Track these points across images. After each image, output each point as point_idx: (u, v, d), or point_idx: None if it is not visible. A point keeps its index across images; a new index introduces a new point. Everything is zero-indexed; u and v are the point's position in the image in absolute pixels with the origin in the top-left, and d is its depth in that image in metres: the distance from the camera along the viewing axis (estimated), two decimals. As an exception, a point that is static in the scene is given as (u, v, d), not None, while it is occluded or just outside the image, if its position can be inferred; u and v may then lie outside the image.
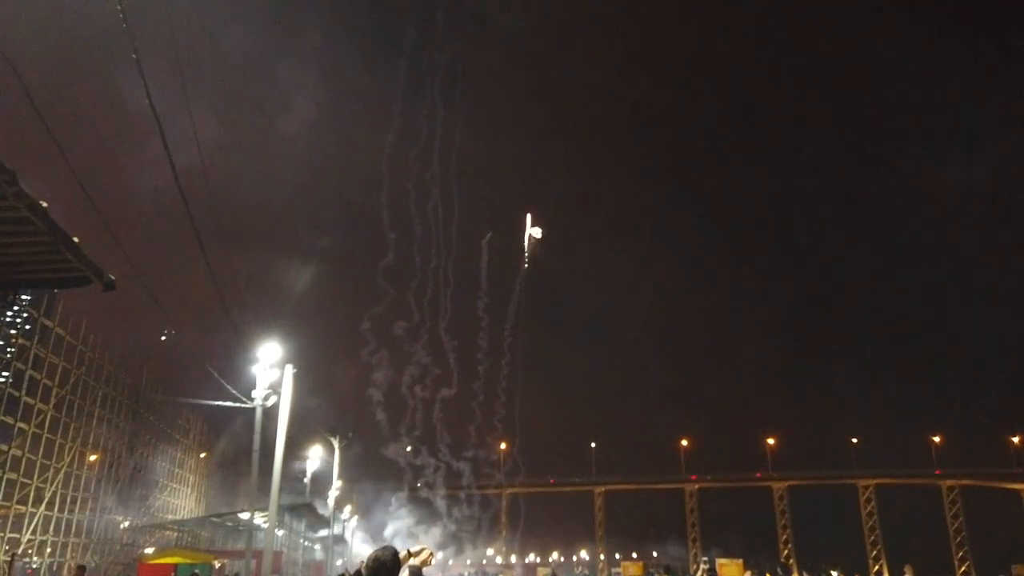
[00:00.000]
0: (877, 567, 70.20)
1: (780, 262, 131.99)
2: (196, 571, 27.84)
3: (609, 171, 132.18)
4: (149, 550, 36.90)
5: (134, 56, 13.53)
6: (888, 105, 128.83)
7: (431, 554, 5.09)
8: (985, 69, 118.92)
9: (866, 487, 73.03)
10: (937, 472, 71.33)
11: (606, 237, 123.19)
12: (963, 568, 68.03)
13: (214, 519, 41.43)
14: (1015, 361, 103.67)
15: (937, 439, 72.60)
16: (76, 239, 13.32)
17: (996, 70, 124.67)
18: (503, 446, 71.84)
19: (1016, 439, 70.91)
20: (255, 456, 22.05)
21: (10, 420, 28.31)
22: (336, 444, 36.69)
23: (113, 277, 14.56)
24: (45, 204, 12.39)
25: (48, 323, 30.14)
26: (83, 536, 34.74)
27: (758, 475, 75.38)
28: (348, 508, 44.66)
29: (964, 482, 70.92)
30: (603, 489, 75.86)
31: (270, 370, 26.53)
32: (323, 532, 40.47)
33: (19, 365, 29.26)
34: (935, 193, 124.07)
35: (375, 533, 53.02)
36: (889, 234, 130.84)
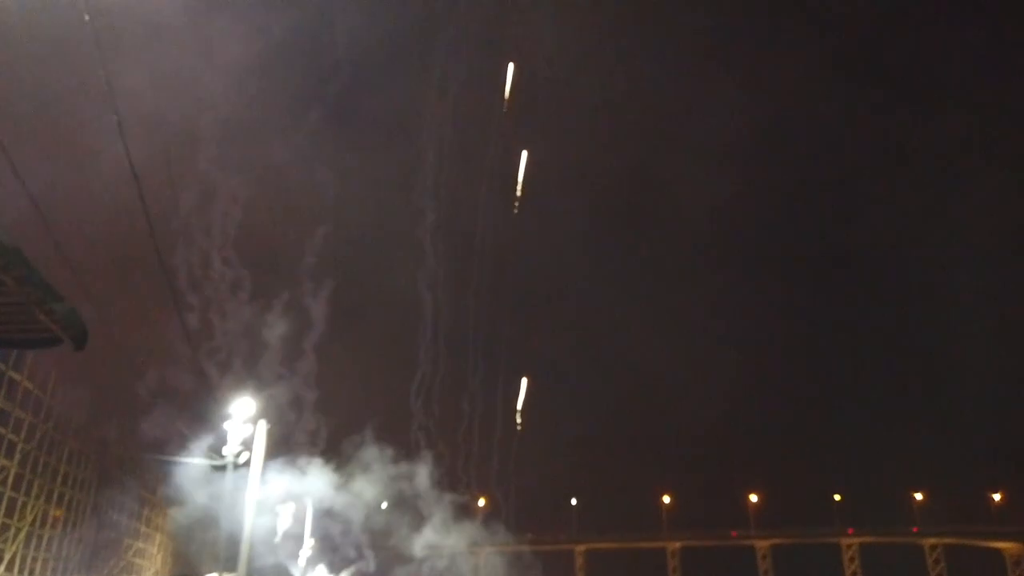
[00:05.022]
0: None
1: (762, 320, 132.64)
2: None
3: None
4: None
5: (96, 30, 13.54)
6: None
7: None
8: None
9: (849, 546, 72.44)
10: (914, 529, 71.12)
11: (581, 289, 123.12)
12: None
13: (181, 580, 40.05)
14: (996, 417, 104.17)
15: (919, 496, 72.62)
16: (57, 300, 13.15)
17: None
18: (481, 502, 70.53)
19: (997, 496, 70.99)
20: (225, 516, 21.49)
21: (-29, 477, 27.49)
22: (308, 504, 35.91)
23: (86, 332, 14.38)
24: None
25: (16, 376, 29.50)
26: (43, 599, 33.39)
27: (734, 534, 74.71)
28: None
29: (947, 540, 70.53)
30: (584, 548, 74.51)
31: (242, 425, 26.08)
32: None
33: (-16, 420, 28.56)
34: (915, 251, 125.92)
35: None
36: (873, 288, 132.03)
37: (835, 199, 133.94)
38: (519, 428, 62.09)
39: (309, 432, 43.48)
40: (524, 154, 61.33)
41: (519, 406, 61.90)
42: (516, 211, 61.62)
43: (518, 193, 61.14)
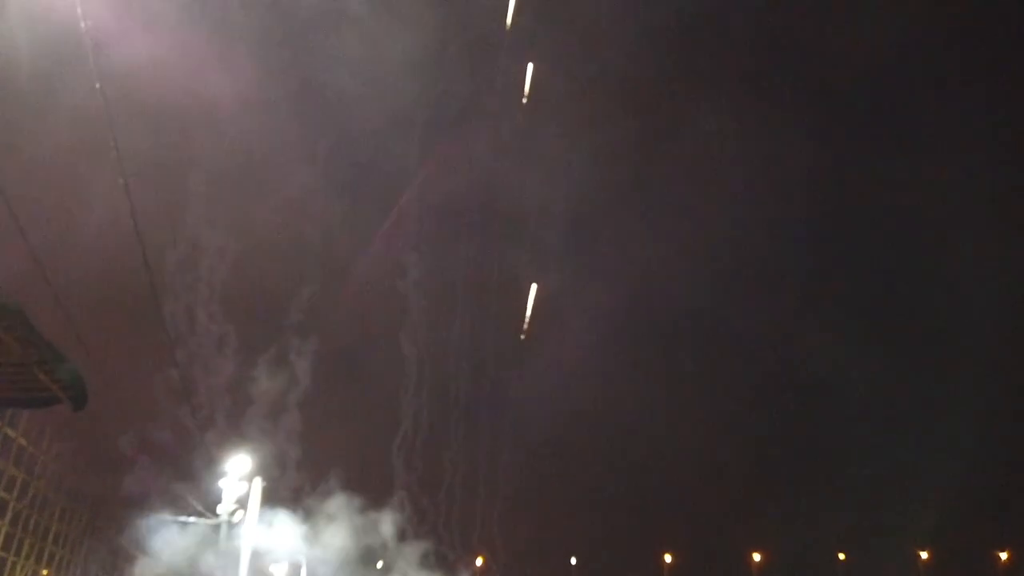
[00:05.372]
0: None
1: (761, 374, 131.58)
2: None
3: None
4: None
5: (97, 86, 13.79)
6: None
7: None
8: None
9: (855, 608, 70.90)
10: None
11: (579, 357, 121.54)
12: None
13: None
14: (999, 473, 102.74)
15: (924, 555, 71.50)
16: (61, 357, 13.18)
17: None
18: (479, 562, 68.94)
19: (1004, 555, 69.79)
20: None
21: (-39, 536, 27.08)
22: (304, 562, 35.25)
23: (85, 393, 14.43)
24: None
25: (11, 433, 29.27)
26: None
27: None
28: None
29: (954, 602, 69.11)
30: (584, 608, 72.82)
31: (238, 483, 25.81)
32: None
33: (-24, 478, 28.24)
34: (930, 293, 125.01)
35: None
36: (872, 338, 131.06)
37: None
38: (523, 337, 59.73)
39: (294, 489, 42.89)
40: (530, 67, 59.04)
41: (527, 315, 59.60)
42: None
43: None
